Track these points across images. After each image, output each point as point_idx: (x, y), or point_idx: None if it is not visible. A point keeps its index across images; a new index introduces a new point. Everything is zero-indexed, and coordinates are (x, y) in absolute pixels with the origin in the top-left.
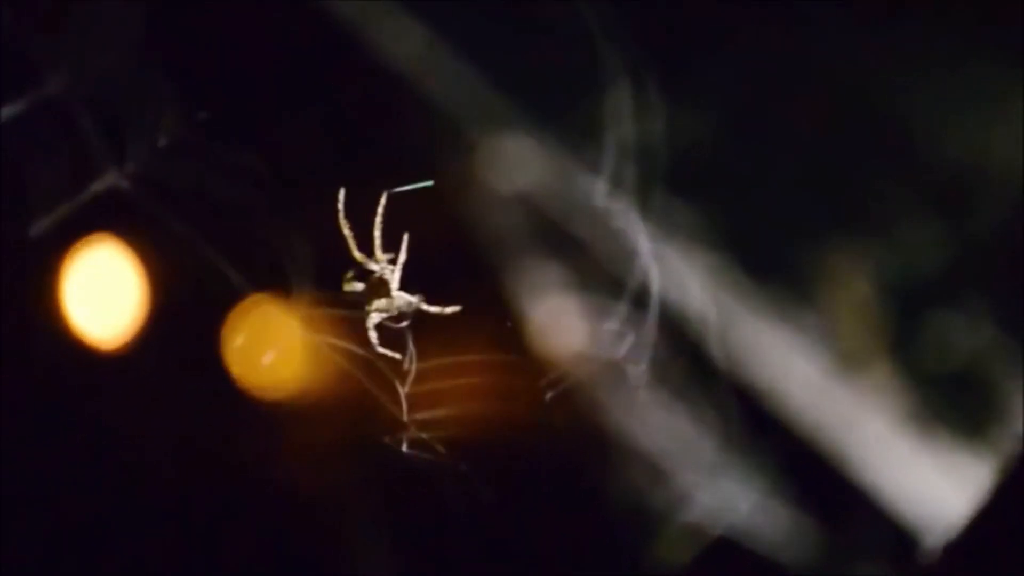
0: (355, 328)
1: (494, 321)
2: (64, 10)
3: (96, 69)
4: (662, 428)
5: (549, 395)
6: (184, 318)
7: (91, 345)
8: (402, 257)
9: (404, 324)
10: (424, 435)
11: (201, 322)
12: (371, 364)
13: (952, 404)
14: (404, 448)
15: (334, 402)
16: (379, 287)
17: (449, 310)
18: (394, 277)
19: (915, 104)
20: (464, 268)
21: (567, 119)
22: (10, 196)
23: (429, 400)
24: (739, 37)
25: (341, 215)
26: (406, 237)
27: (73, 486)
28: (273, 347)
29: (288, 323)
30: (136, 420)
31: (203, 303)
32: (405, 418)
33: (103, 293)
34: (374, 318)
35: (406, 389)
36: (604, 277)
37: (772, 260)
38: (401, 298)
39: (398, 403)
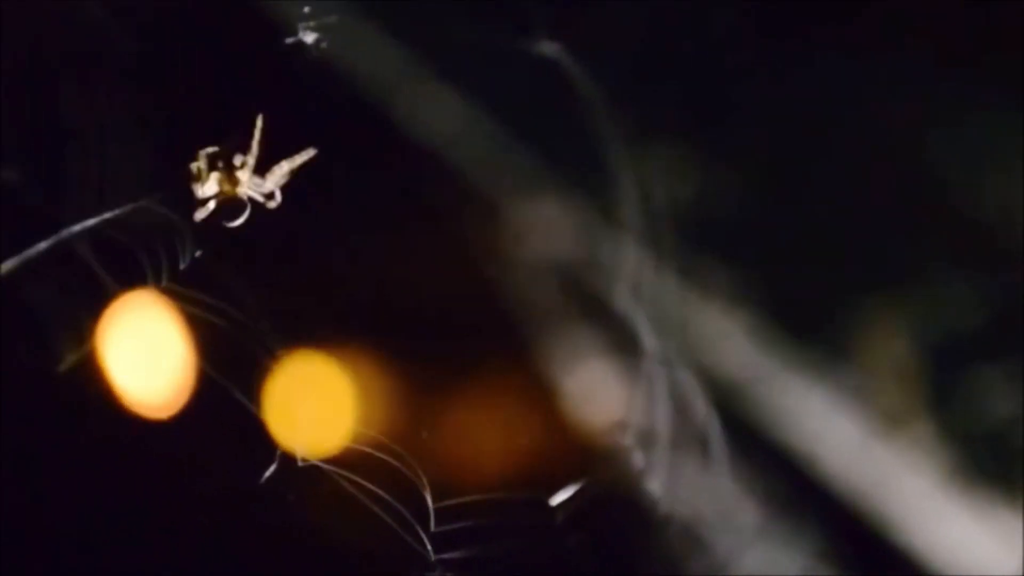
0: None
1: (518, 406)
2: (71, 158)
3: (108, 210)
4: (700, 494)
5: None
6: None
7: (132, 410)
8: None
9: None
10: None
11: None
12: (395, 508)
13: (994, 462)
14: None
15: (359, 542)
16: (228, 178)
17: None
18: (246, 169)
19: (953, 160)
20: (493, 337)
21: (597, 184)
22: (36, 336)
23: (455, 539)
24: (772, 96)
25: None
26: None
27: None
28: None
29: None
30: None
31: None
32: (432, 558)
33: (145, 357)
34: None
35: (431, 529)
36: (636, 342)
37: (810, 320)
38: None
39: (422, 543)
